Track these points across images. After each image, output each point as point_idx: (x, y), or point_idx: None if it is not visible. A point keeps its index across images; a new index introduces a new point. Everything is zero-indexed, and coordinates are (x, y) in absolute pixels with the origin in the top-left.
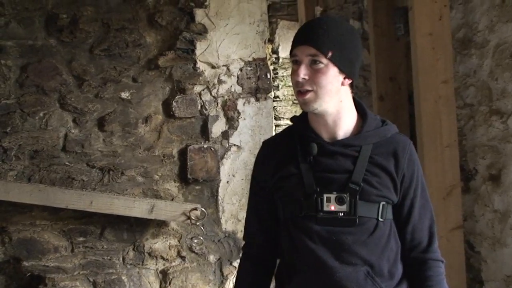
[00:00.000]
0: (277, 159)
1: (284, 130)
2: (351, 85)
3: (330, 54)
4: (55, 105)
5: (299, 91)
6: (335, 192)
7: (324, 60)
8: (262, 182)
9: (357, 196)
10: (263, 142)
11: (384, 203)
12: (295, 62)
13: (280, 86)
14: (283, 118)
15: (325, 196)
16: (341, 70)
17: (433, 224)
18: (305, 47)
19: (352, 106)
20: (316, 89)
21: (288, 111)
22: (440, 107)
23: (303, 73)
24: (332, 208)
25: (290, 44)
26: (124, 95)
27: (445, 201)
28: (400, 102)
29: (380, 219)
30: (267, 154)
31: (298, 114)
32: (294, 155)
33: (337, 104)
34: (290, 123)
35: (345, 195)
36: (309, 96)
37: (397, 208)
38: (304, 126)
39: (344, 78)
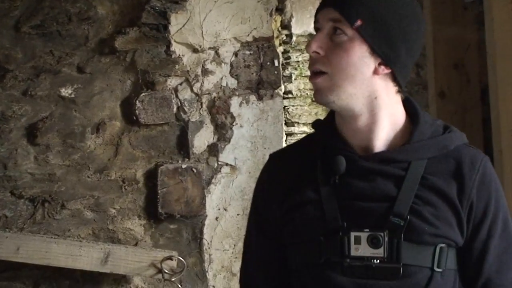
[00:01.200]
0: (288, 180)
1: (302, 139)
2: (394, 79)
3: (358, 23)
4: None
5: (313, 72)
6: (367, 230)
7: (349, 31)
8: (267, 214)
9: (402, 235)
10: (270, 156)
11: (443, 245)
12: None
13: (293, 77)
14: (298, 123)
15: (352, 235)
16: (374, 51)
17: None
18: (327, 10)
19: (396, 106)
20: (332, 72)
21: (306, 112)
22: None
23: (317, 44)
24: (363, 252)
25: (306, 15)
26: (66, 92)
27: None
28: (469, 100)
29: (436, 269)
30: (275, 173)
31: (319, 116)
32: (313, 174)
33: (369, 102)
34: (308, 131)
35: (382, 234)
36: (321, 80)
37: (463, 253)
38: (329, 132)
39: (379, 65)
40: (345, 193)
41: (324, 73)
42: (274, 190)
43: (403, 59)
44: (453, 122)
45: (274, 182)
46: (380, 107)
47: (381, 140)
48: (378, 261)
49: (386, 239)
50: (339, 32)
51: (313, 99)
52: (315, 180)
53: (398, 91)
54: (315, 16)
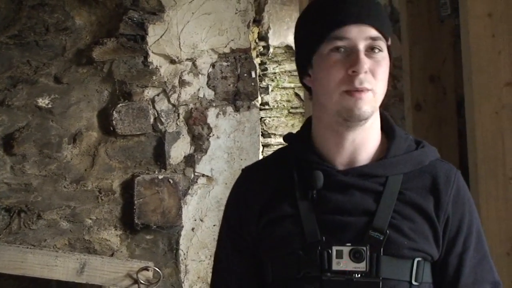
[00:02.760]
0: (264, 195)
1: (274, 153)
2: None
3: (390, 40)
4: None
5: (357, 89)
6: (349, 244)
7: (384, 48)
8: (242, 229)
9: (381, 249)
10: (243, 170)
11: (420, 259)
12: (338, 50)
13: (270, 88)
14: (275, 135)
15: (334, 249)
16: (392, 66)
17: None
18: (363, 28)
19: (379, 119)
20: (375, 88)
21: (282, 124)
22: (504, 120)
23: (367, 65)
24: (345, 266)
25: (283, 26)
26: (43, 102)
27: (510, 256)
28: (445, 112)
29: (414, 282)
30: (250, 188)
31: (296, 128)
32: (290, 189)
33: (375, 115)
34: (283, 143)
35: (364, 248)
36: (366, 96)
37: (439, 267)
38: (305, 147)
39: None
40: (323, 207)
41: (368, 90)
42: (250, 205)
43: None
44: (429, 134)
45: (249, 197)
46: (376, 118)
47: (367, 153)
48: (359, 275)
49: (368, 253)
50: (378, 51)
51: (292, 112)
52: (292, 195)
53: None
54: (335, 29)
